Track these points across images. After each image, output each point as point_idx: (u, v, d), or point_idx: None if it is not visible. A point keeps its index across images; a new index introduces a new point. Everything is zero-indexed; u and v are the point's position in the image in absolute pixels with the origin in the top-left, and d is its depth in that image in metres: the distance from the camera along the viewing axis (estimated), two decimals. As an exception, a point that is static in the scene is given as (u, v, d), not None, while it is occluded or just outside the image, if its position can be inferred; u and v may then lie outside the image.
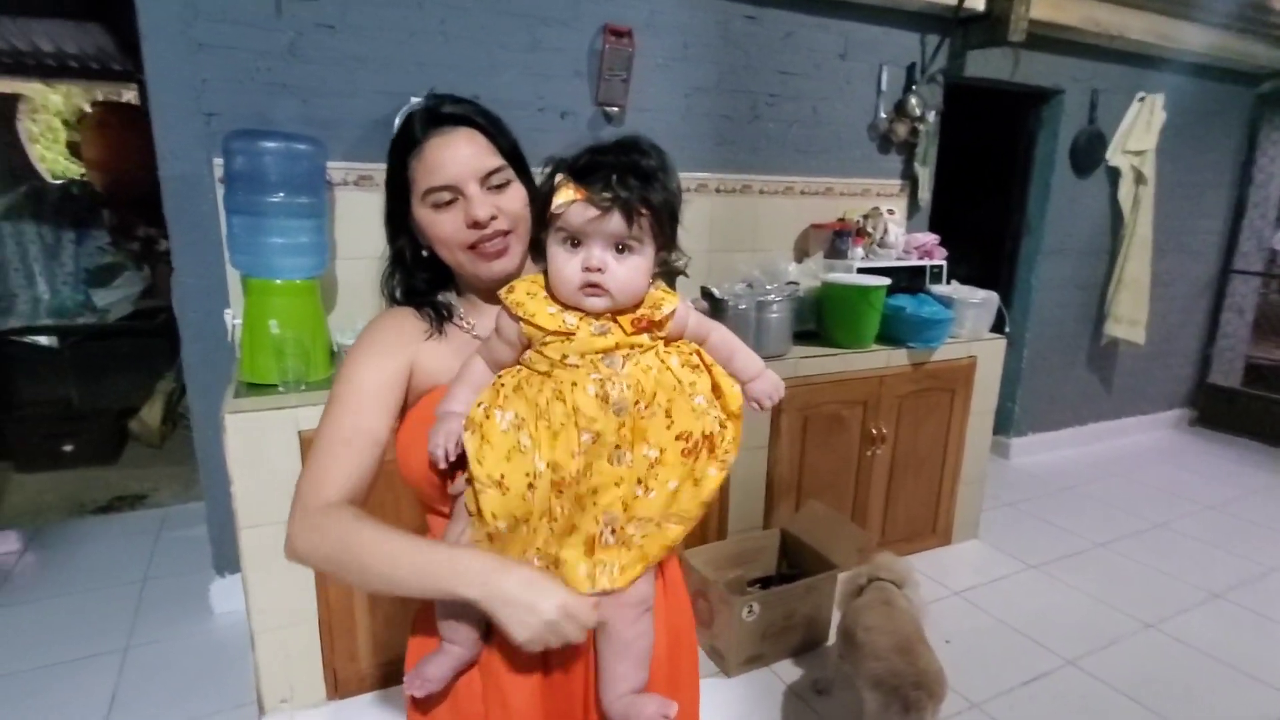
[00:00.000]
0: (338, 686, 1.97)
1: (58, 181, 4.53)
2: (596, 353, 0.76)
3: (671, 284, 2.12)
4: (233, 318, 2.09)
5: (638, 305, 0.79)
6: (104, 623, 2.31)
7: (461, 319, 0.94)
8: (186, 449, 3.15)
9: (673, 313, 0.80)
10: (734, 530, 2.44)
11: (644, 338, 0.78)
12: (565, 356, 0.76)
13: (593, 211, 0.74)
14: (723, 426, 0.80)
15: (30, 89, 6.20)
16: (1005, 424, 3.86)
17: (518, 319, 0.78)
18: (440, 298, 0.95)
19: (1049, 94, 3.48)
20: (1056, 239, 3.67)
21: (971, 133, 3.75)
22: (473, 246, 0.87)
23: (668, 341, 0.82)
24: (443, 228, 0.87)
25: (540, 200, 0.79)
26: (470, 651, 0.84)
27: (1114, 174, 3.72)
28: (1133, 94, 3.63)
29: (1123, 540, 3.06)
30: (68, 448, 3.48)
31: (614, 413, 0.74)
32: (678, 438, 0.77)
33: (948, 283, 2.89)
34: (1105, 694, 2.12)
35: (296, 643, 1.90)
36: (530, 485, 0.75)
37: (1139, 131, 3.64)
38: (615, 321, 0.78)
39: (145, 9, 1.93)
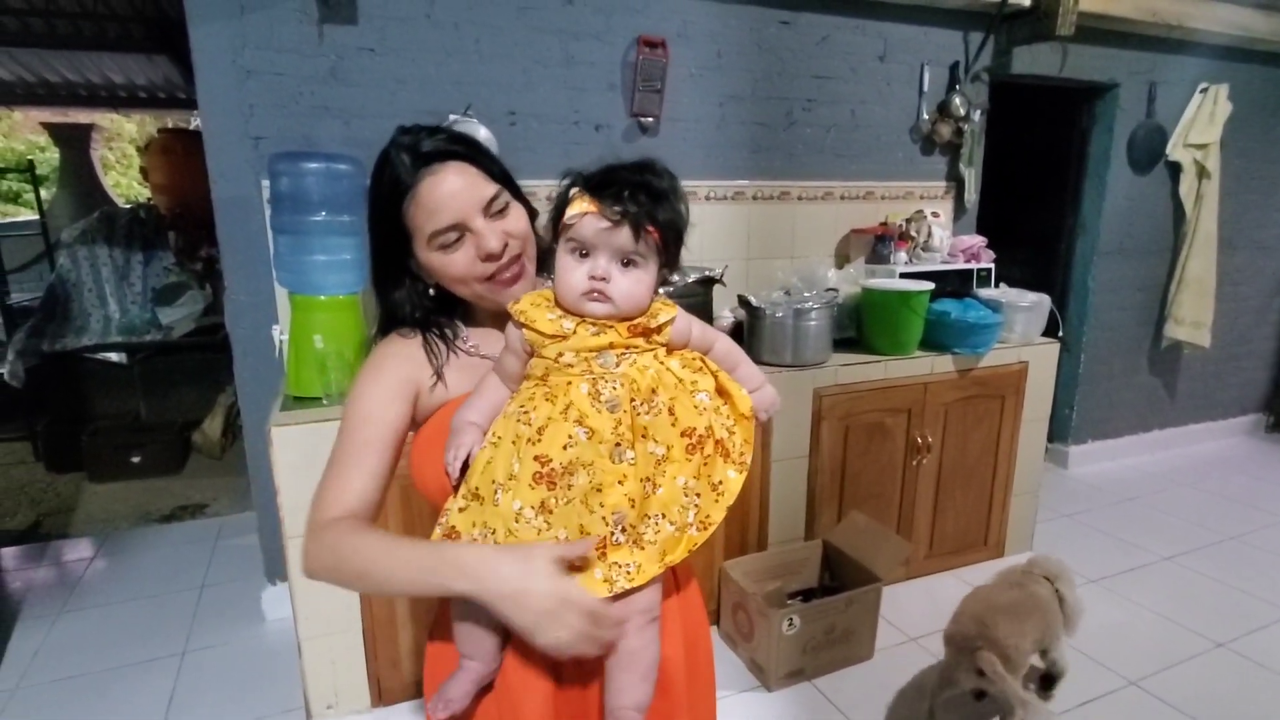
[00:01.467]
0: (381, 694, 2.01)
1: (127, 206, 4.77)
2: (590, 350, 0.78)
3: (709, 292, 2.11)
4: (280, 333, 2.17)
5: (638, 315, 0.81)
6: (164, 627, 2.41)
7: (465, 339, 0.95)
8: (244, 460, 3.27)
9: (670, 321, 0.82)
10: (774, 541, 2.41)
11: (640, 341, 0.80)
12: (561, 355, 0.78)
13: (603, 223, 0.77)
14: (730, 433, 0.82)
15: (105, 119, 6.58)
16: (1062, 431, 3.72)
17: (520, 325, 0.81)
18: (447, 329, 0.95)
19: (1103, 88, 3.35)
20: (1113, 239, 3.53)
21: (1021, 131, 3.64)
22: (489, 277, 0.87)
23: (670, 350, 0.84)
24: (455, 267, 0.86)
25: (554, 210, 0.82)
26: (489, 667, 0.85)
27: (1175, 169, 3.55)
28: (1194, 85, 3.47)
29: (1191, 554, 2.91)
30: (136, 459, 3.65)
31: (608, 410, 0.76)
32: (683, 434, 0.78)
33: (996, 286, 2.80)
34: (1172, 717, 2.01)
35: (341, 650, 1.95)
36: (505, 484, 0.76)
37: (1202, 124, 3.47)
38: (611, 327, 0.80)
39: (199, 41, 2.03)
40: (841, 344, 2.49)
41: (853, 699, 2.07)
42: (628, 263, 0.79)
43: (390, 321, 0.93)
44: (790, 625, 2.06)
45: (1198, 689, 2.12)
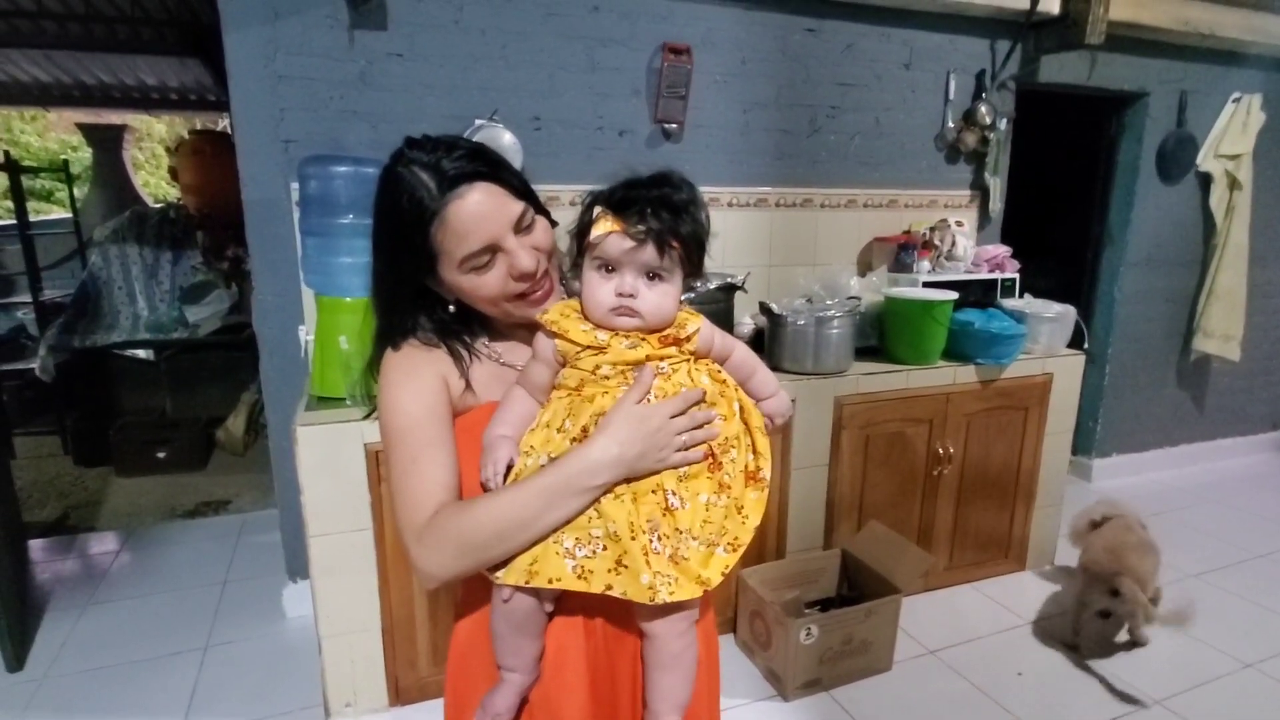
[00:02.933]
0: (399, 693, 2.03)
1: (157, 205, 4.86)
2: (628, 364, 0.80)
3: (731, 299, 2.12)
4: (306, 334, 2.20)
5: (666, 326, 0.83)
6: (187, 622, 2.44)
7: (486, 344, 0.94)
8: (267, 458, 3.31)
9: (698, 331, 0.84)
10: (793, 550, 2.40)
11: (672, 350, 0.82)
12: (598, 368, 0.80)
13: (628, 243, 0.79)
14: (754, 453, 0.84)
15: (137, 120, 6.71)
16: (1087, 444, 3.66)
17: (553, 335, 0.82)
18: (468, 337, 0.94)
19: (1132, 97, 3.31)
20: (1141, 249, 3.48)
21: (1047, 140, 3.61)
22: (522, 295, 0.87)
23: (697, 358, 0.86)
24: (489, 289, 0.85)
25: (577, 229, 0.83)
26: (530, 677, 0.86)
27: (1205, 180, 3.50)
28: (1226, 95, 3.42)
29: (1219, 571, 2.85)
30: (161, 454, 3.71)
31: None
32: (705, 454, 0.80)
33: (1021, 296, 2.78)
34: (1196, 737, 1.97)
35: (361, 649, 1.97)
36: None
37: (1234, 134, 3.42)
38: (644, 340, 0.82)
39: (233, 46, 2.06)
40: (863, 353, 2.48)
41: (870, 711, 2.06)
42: (653, 277, 0.80)
43: (395, 332, 0.90)
44: (808, 635, 2.05)
45: (1224, 710, 2.08)
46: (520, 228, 0.85)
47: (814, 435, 2.33)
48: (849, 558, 2.37)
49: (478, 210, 0.81)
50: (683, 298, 0.86)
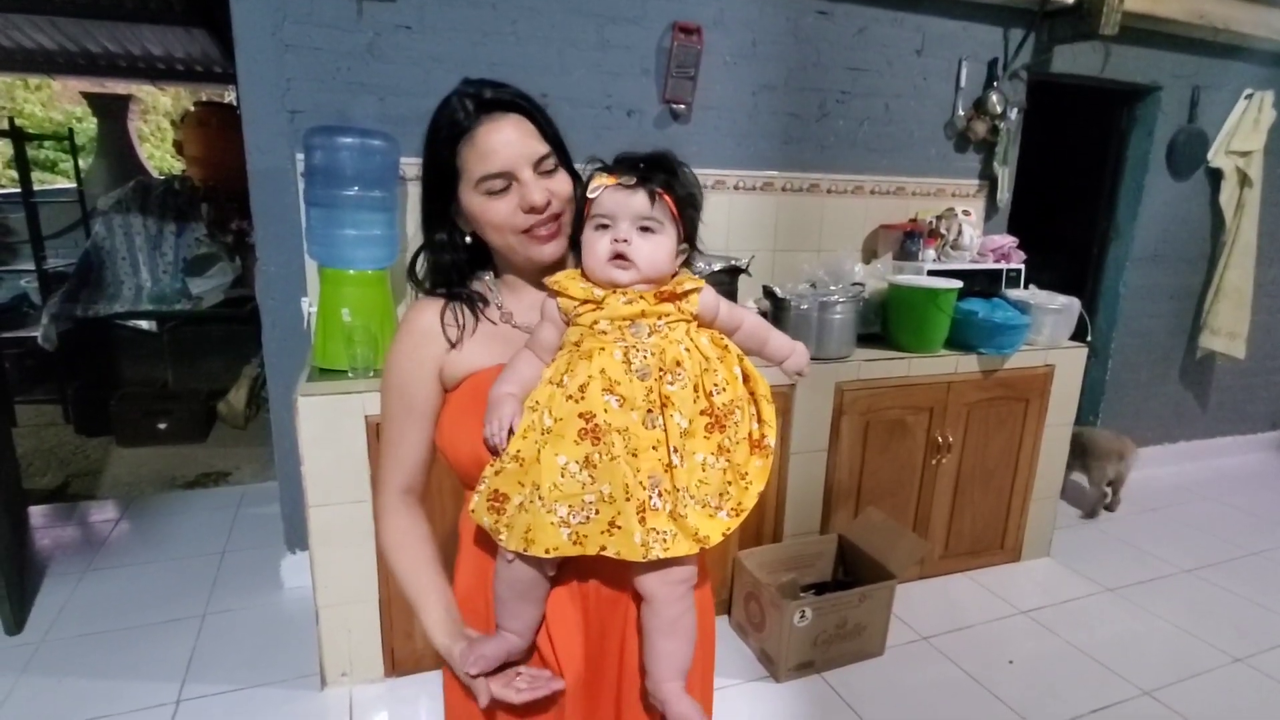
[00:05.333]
0: (395, 664, 2.04)
1: (161, 177, 4.84)
2: (624, 319, 0.81)
3: (734, 282, 2.13)
4: (309, 305, 2.20)
5: (661, 281, 0.85)
6: (186, 590, 2.46)
7: (500, 306, 0.96)
8: (267, 431, 3.31)
9: (697, 290, 0.85)
10: (790, 534, 2.41)
11: (669, 307, 0.83)
12: (596, 323, 0.81)
13: (621, 193, 0.83)
14: (759, 421, 0.84)
15: (142, 92, 6.68)
16: (1086, 438, 3.66)
17: (555, 294, 0.85)
18: (476, 284, 0.98)
19: (1144, 91, 3.29)
20: (1148, 244, 3.46)
21: (1057, 131, 3.58)
22: (526, 230, 0.89)
23: (700, 324, 0.86)
24: (497, 213, 0.88)
25: (578, 202, 0.87)
26: (526, 641, 0.88)
27: (1215, 176, 3.48)
28: (1239, 91, 3.39)
29: (1213, 567, 2.86)
30: (162, 425, 3.73)
31: (638, 377, 0.79)
32: (702, 413, 0.81)
33: (1026, 288, 2.77)
34: (1184, 728, 1.99)
35: (358, 620, 1.98)
36: (549, 439, 0.78)
37: (1245, 130, 3.39)
38: (641, 296, 0.83)
39: (239, 14, 2.05)
40: (865, 339, 2.47)
41: (861, 694, 2.07)
42: (645, 229, 0.83)
43: (432, 272, 0.97)
44: (802, 617, 2.06)
45: (1212, 702, 2.09)
46: (540, 169, 0.88)
47: (814, 420, 2.34)
48: (845, 543, 2.38)
49: (502, 136, 0.86)
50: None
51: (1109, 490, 3.27)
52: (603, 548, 0.77)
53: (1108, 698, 2.10)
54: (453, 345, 0.92)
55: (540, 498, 0.77)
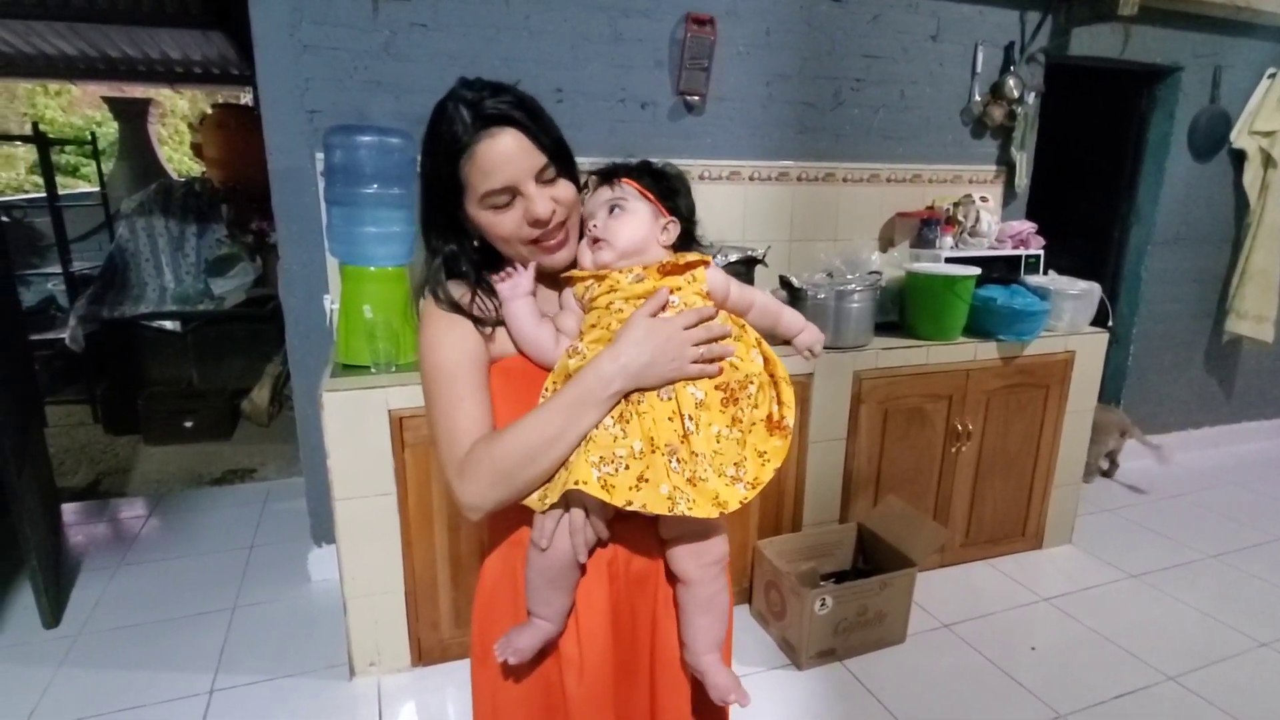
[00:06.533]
0: (421, 654, 2.08)
1: (182, 179, 4.91)
2: (638, 297, 0.87)
3: (751, 272, 2.17)
4: (331, 303, 2.23)
5: (643, 253, 0.92)
6: (216, 584, 2.51)
7: None
8: (290, 428, 3.37)
9: (702, 262, 0.90)
10: (809, 523, 2.41)
11: (677, 280, 0.89)
12: (612, 303, 0.87)
13: (591, 197, 0.95)
14: (779, 404, 0.88)
15: (159, 95, 6.76)
16: (1108, 425, 3.63)
17: (569, 281, 0.93)
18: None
19: (1164, 72, 3.24)
20: (1170, 228, 3.42)
21: (1076, 114, 3.54)
22: (534, 241, 0.90)
23: (714, 304, 0.91)
24: (504, 227, 0.89)
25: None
26: (557, 628, 0.90)
27: (1238, 157, 3.42)
28: (1262, 70, 3.33)
29: (1239, 553, 2.84)
30: (188, 424, 3.79)
31: None
32: (717, 387, 0.84)
33: (1045, 273, 2.75)
34: (1209, 713, 1.98)
35: (384, 610, 2.02)
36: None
37: (1268, 110, 3.33)
38: (646, 273, 0.89)
39: (258, 16, 2.08)
40: (883, 328, 2.47)
41: (883, 681, 2.08)
42: (613, 209, 0.92)
43: (435, 255, 0.95)
44: (823, 605, 2.07)
45: (1237, 687, 2.08)
46: (542, 179, 0.88)
47: (832, 409, 2.34)
48: (865, 531, 2.38)
49: (503, 152, 0.85)
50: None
51: (1106, 462, 3.48)
52: (628, 502, 0.80)
53: (1132, 683, 2.09)
54: (481, 328, 0.91)
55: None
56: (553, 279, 0.96)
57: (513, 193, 0.87)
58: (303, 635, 2.24)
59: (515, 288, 0.90)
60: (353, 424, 1.88)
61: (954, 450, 2.52)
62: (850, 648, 2.17)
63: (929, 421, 2.47)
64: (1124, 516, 3.12)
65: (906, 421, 2.44)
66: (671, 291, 0.87)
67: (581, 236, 0.94)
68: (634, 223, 0.91)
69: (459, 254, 0.94)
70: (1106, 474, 3.50)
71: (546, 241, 0.91)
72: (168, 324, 4.23)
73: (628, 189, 0.93)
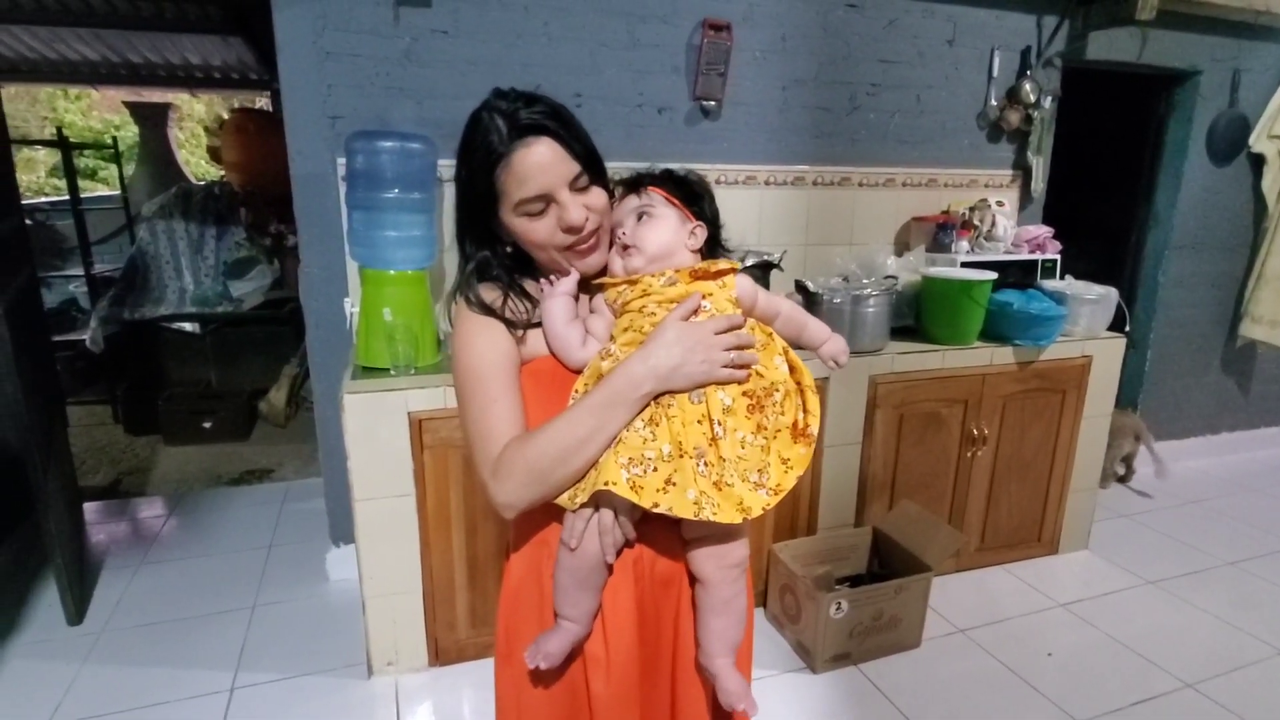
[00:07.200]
0: (439, 654, 2.10)
1: (201, 183, 4.97)
2: (670, 301, 0.89)
3: (767, 277, 2.19)
4: (351, 306, 2.26)
5: (671, 256, 0.94)
6: (235, 583, 2.54)
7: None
8: (307, 429, 3.40)
9: (732, 270, 0.92)
10: (824, 526, 2.42)
11: (709, 285, 0.91)
12: (645, 307, 0.89)
13: (618, 205, 0.97)
14: (804, 411, 0.89)
15: (178, 99, 6.85)
16: (1124, 430, 3.61)
17: (600, 287, 0.95)
18: (528, 286, 0.99)
19: (1183, 75, 3.23)
20: (1188, 232, 3.40)
21: (1093, 119, 3.53)
22: (568, 247, 0.93)
23: (742, 311, 0.92)
24: (538, 234, 0.92)
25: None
26: (585, 629, 0.92)
27: (1257, 161, 3.40)
28: (1281, 73, 3.31)
29: (1258, 560, 2.81)
30: (207, 424, 3.84)
31: None
32: (744, 394, 0.86)
33: (1062, 278, 2.74)
34: (1229, 721, 1.97)
35: (402, 610, 2.04)
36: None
37: (1289, 114, 3.31)
38: (678, 276, 0.91)
39: (282, 23, 2.11)
40: (899, 332, 2.47)
41: (898, 685, 2.08)
42: (641, 216, 0.94)
43: (473, 273, 0.97)
44: (838, 609, 2.08)
45: (1257, 695, 2.06)
46: (575, 187, 0.90)
47: (848, 413, 2.34)
48: (880, 536, 2.38)
49: (538, 161, 0.88)
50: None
51: (1123, 466, 3.47)
52: (655, 504, 0.81)
53: (1149, 690, 2.08)
54: (513, 330, 0.93)
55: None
56: (583, 285, 0.98)
57: (547, 200, 0.89)
58: (322, 634, 2.26)
59: (558, 286, 0.94)
60: (373, 426, 1.90)
61: (970, 455, 2.52)
62: (865, 652, 2.17)
63: (944, 426, 2.47)
64: (1141, 522, 3.11)
65: (922, 426, 2.44)
66: (704, 297, 0.89)
67: (611, 245, 0.96)
68: (662, 228, 0.93)
69: (492, 259, 0.97)
70: (1122, 479, 3.47)
71: (579, 247, 0.93)
72: (187, 326, 4.29)
73: (654, 196, 0.95)
